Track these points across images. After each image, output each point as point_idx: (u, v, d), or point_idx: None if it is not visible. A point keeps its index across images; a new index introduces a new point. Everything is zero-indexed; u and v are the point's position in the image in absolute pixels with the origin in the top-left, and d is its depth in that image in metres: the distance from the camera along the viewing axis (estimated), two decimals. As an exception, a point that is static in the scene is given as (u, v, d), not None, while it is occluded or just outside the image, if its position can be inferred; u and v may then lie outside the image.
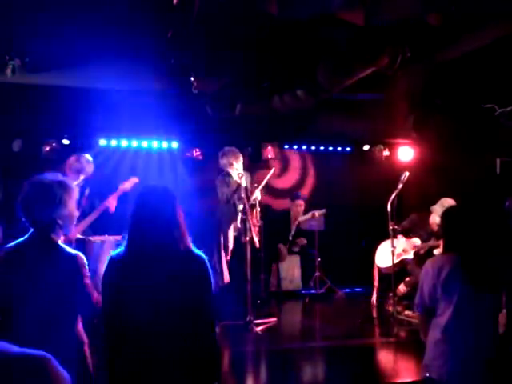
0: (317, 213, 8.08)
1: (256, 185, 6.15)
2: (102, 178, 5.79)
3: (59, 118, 6.80)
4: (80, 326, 2.48)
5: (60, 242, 2.47)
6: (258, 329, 5.66)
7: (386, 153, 8.74)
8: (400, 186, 6.07)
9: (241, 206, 6.03)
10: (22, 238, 2.44)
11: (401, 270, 6.61)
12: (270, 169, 6.55)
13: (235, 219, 6.13)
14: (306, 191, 8.97)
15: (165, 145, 8.05)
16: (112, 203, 5.25)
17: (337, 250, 8.24)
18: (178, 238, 2.25)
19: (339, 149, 9.03)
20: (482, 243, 2.93)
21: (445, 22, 4.56)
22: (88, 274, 2.41)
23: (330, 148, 8.99)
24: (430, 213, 6.22)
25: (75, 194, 2.54)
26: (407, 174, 6.11)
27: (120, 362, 2.19)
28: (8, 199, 6.17)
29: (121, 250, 2.29)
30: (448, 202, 6.00)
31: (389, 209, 6.10)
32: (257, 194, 6.11)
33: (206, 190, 7.77)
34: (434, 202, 6.18)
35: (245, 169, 6.31)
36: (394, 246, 6.14)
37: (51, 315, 2.31)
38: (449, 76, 6.13)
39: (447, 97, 6.97)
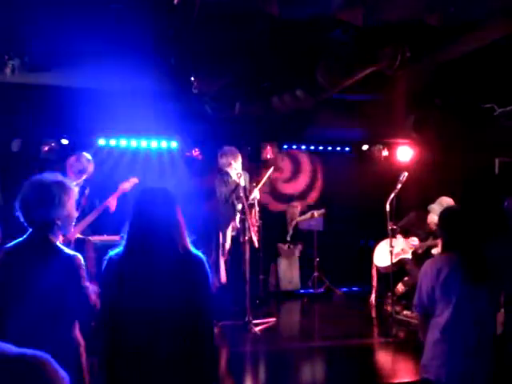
0: (316, 213, 8.09)
1: (254, 184, 6.14)
2: (101, 177, 5.78)
3: (58, 118, 6.80)
4: (77, 328, 2.48)
5: (58, 243, 2.47)
6: (257, 329, 5.66)
7: (385, 153, 8.74)
8: (399, 186, 6.07)
9: (240, 206, 6.03)
10: (21, 239, 2.44)
11: (399, 269, 6.61)
12: (270, 168, 6.54)
13: (234, 219, 6.13)
14: (315, 194, 8.95)
15: (164, 144, 8.04)
16: (112, 203, 5.25)
17: (335, 249, 8.24)
18: (177, 238, 2.25)
19: (338, 149, 9.03)
20: (480, 242, 2.93)
21: (444, 23, 4.56)
22: (85, 275, 2.41)
23: (329, 148, 8.99)
24: (428, 212, 6.21)
25: (74, 194, 2.53)
26: (406, 174, 6.11)
27: (119, 362, 2.19)
28: (7, 199, 6.17)
29: (119, 250, 2.29)
30: (446, 200, 6.00)
31: (388, 209, 6.10)
32: (255, 194, 6.11)
33: (206, 189, 7.77)
34: (433, 202, 6.18)
35: (244, 168, 6.31)
36: (392, 246, 6.14)
37: (48, 316, 2.31)
38: (448, 76, 6.13)
39: (447, 97, 6.97)
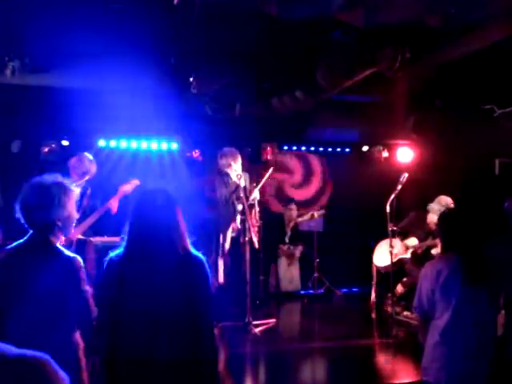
0: (316, 214, 8.10)
1: (254, 185, 6.14)
2: (101, 178, 5.78)
3: (58, 119, 6.80)
4: (76, 330, 2.47)
5: (58, 244, 2.47)
6: (257, 330, 5.65)
7: (385, 154, 8.74)
8: (399, 186, 6.07)
9: (240, 207, 6.03)
10: (21, 240, 2.43)
11: (399, 269, 6.61)
12: (270, 169, 6.53)
13: (234, 220, 6.13)
14: (325, 198, 8.93)
15: (164, 145, 8.05)
16: (113, 205, 5.25)
17: (335, 250, 8.25)
18: (177, 239, 2.25)
19: (338, 150, 9.04)
20: (480, 243, 2.93)
21: (444, 24, 4.56)
22: (85, 277, 2.41)
23: (330, 149, 9.00)
24: (427, 211, 6.20)
25: (74, 195, 2.53)
26: (406, 174, 6.11)
27: (119, 363, 2.19)
28: (7, 200, 6.17)
29: (120, 251, 2.29)
30: (445, 199, 6.00)
31: (388, 210, 6.10)
32: (255, 194, 6.11)
33: (206, 190, 7.77)
34: (433, 202, 6.17)
35: (244, 169, 6.31)
36: (392, 246, 6.14)
37: (47, 317, 2.31)
38: (448, 77, 6.13)
39: (447, 98, 6.97)
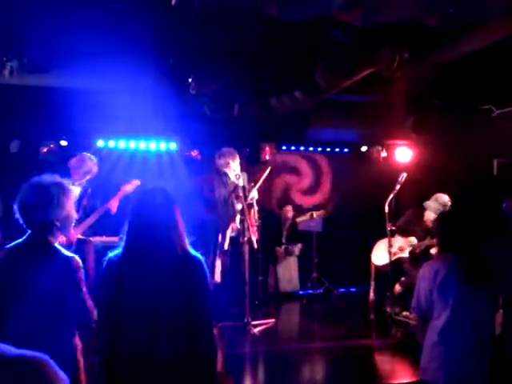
0: (315, 214, 8.10)
1: (253, 184, 6.14)
2: (100, 178, 5.78)
3: (57, 119, 6.79)
4: (75, 330, 2.47)
5: (57, 244, 2.47)
6: (256, 330, 5.65)
7: (384, 154, 8.75)
8: (398, 186, 6.07)
9: (239, 206, 6.03)
10: (20, 240, 2.43)
11: (397, 268, 6.60)
12: (268, 168, 6.53)
13: (233, 220, 6.13)
14: (332, 204, 8.91)
15: (163, 146, 8.04)
16: (114, 205, 5.25)
17: (334, 250, 8.25)
18: (176, 239, 2.25)
19: (337, 150, 9.04)
20: (478, 243, 2.93)
21: (443, 24, 4.57)
22: (83, 277, 2.40)
23: (328, 149, 9.00)
24: (424, 209, 6.20)
25: (73, 195, 2.53)
26: (405, 174, 6.11)
27: (118, 363, 2.19)
28: (6, 201, 6.16)
29: (119, 251, 2.29)
30: (442, 197, 5.99)
31: (386, 210, 6.10)
32: (254, 194, 6.11)
33: (205, 190, 7.77)
34: (429, 199, 6.17)
35: (242, 169, 6.31)
36: (390, 246, 6.14)
37: (45, 317, 2.30)
38: (447, 77, 6.14)
39: (445, 98, 6.98)
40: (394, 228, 6.29)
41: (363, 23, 4.57)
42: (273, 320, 6.15)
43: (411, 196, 7.15)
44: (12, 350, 1.03)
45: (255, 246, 6.01)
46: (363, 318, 6.61)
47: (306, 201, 8.92)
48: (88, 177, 5.32)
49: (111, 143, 7.73)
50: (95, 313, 2.46)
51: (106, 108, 6.52)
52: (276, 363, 5.01)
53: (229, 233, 6.19)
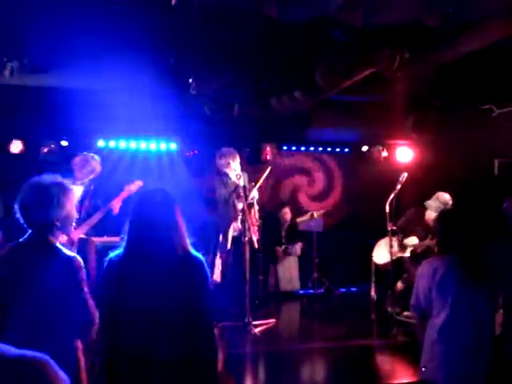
0: (315, 213, 8.10)
1: (253, 184, 6.14)
2: (100, 178, 5.78)
3: (57, 120, 6.80)
4: (75, 330, 2.47)
5: (58, 244, 2.47)
6: (257, 330, 5.65)
7: (385, 154, 8.75)
8: (398, 186, 6.07)
9: (240, 206, 6.03)
10: (21, 240, 2.44)
11: (398, 266, 6.59)
12: (268, 168, 6.52)
13: (235, 219, 6.13)
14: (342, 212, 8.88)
15: (163, 146, 8.05)
16: (116, 205, 5.26)
17: (335, 250, 8.25)
18: (176, 239, 2.25)
19: (338, 150, 9.04)
20: (477, 243, 2.93)
21: (443, 24, 4.57)
22: (85, 277, 2.41)
23: (329, 149, 9.00)
24: (425, 208, 6.19)
25: (73, 195, 2.54)
26: (405, 174, 6.10)
27: (119, 363, 2.20)
28: (6, 201, 6.17)
29: (119, 251, 2.29)
30: (443, 196, 5.98)
31: (387, 209, 6.09)
32: (254, 194, 6.11)
33: (205, 190, 7.77)
34: (431, 198, 6.16)
35: (243, 169, 6.31)
36: (391, 246, 6.14)
37: (46, 317, 2.31)
38: (447, 77, 6.14)
39: (445, 98, 6.98)
40: (394, 228, 6.29)
41: (363, 23, 4.56)
42: (273, 320, 6.15)
43: (412, 196, 7.15)
44: (12, 350, 1.03)
45: (256, 245, 6.02)
46: (364, 317, 6.60)
47: (315, 207, 8.83)
48: (91, 176, 5.36)
49: (112, 143, 7.73)
50: (97, 313, 2.46)
51: (106, 108, 6.52)
52: (276, 363, 5.00)
53: (231, 233, 6.19)
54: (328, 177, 9.12)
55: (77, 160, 5.36)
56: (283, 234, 8.24)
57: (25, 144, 7.13)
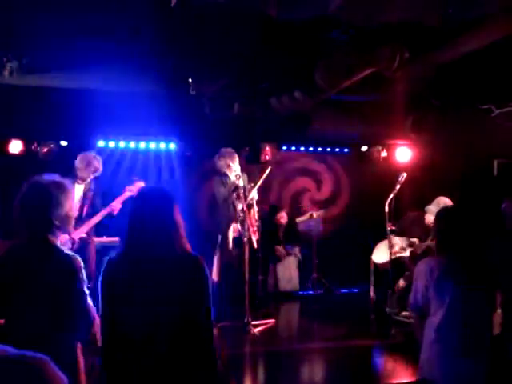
0: (315, 214, 8.10)
1: (252, 184, 6.15)
2: (100, 178, 5.79)
3: (57, 120, 6.80)
4: (74, 330, 2.47)
5: (58, 244, 2.47)
6: (256, 330, 5.66)
7: (384, 154, 8.75)
8: (397, 186, 6.07)
9: (240, 206, 6.03)
10: (20, 239, 2.44)
11: (398, 266, 6.59)
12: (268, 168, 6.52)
13: (234, 220, 6.13)
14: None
15: (163, 146, 8.05)
16: (116, 206, 5.26)
17: (334, 250, 8.25)
18: (175, 239, 2.25)
19: (337, 150, 9.05)
20: (474, 245, 2.93)
21: (443, 23, 4.57)
22: (84, 278, 2.41)
23: (328, 149, 9.01)
24: (425, 212, 6.19)
25: (72, 194, 2.54)
26: (405, 174, 6.10)
27: (118, 363, 2.19)
28: (6, 201, 6.16)
29: (119, 251, 2.29)
30: (444, 201, 5.98)
31: (386, 209, 6.09)
32: (253, 194, 6.11)
33: (204, 190, 7.78)
34: (431, 203, 6.17)
35: (242, 170, 6.31)
36: (391, 246, 6.13)
37: (45, 317, 2.31)
38: (446, 77, 6.14)
39: (445, 98, 6.98)
40: (393, 228, 6.28)
41: (363, 23, 4.57)
42: (273, 320, 6.15)
43: (411, 196, 7.16)
44: (12, 350, 1.03)
45: (255, 246, 6.02)
46: (363, 318, 6.60)
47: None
48: (93, 176, 5.39)
49: (111, 143, 7.73)
50: (95, 313, 2.46)
51: (105, 108, 6.53)
52: (276, 363, 5.01)
53: (231, 233, 6.19)
54: (336, 181, 9.09)
55: (79, 160, 5.37)
56: (281, 234, 8.23)
57: (24, 144, 7.13)
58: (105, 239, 6.13)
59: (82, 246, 5.00)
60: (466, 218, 2.98)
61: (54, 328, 2.33)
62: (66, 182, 2.54)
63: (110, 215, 5.29)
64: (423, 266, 2.94)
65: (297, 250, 8.14)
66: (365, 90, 6.53)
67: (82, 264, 2.41)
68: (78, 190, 5.31)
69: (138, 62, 5.51)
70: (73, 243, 4.89)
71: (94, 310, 2.46)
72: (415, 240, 6.61)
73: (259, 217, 6.46)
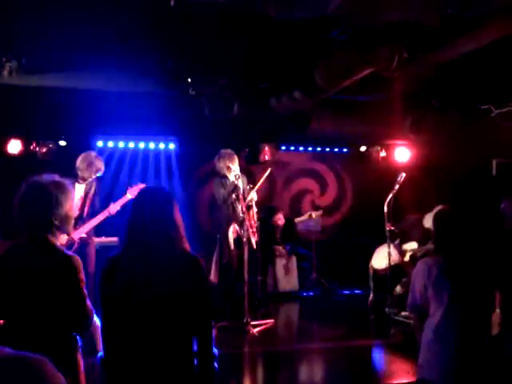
0: (314, 214, 8.10)
1: (251, 186, 6.15)
2: (100, 179, 5.79)
3: (56, 119, 6.80)
4: (74, 330, 2.46)
5: (57, 244, 2.47)
6: (255, 330, 5.66)
7: (383, 154, 8.76)
8: (396, 186, 6.07)
9: (239, 207, 6.03)
10: (20, 239, 2.43)
11: (397, 270, 6.60)
12: (268, 170, 6.52)
13: (234, 220, 6.13)
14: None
15: (162, 146, 8.05)
16: (115, 208, 5.26)
17: (333, 251, 8.25)
18: (175, 239, 2.25)
19: (336, 150, 9.05)
20: (472, 245, 2.94)
21: (442, 23, 4.57)
22: (83, 278, 2.40)
23: (327, 149, 9.01)
24: (424, 215, 6.19)
25: (72, 194, 2.54)
26: (404, 174, 6.11)
27: (117, 363, 2.19)
28: (5, 201, 6.16)
29: (118, 251, 2.29)
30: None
31: (385, 209, 6.10)
32: (253, 195, 6.11)
33: (204, 191, 7.78)
34: (430, 204, 6.15)
35: (241, 170, 6.31)
36: (390, 247, 6.13)
37: (44, 317, 2.31)
38: (446, 77, 6.14)
39: (444, 98, 6.98)
40: (392, 228, 6.28)
41: (362, 23, 4.56)
42: (272, 320, 6.15)
43: (410, 196, 7.15)
44: (11, 350, 1.03)
45: (254, 246, 6.02)
46: (363, 318, 6.60)
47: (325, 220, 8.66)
48: (94, 176, 5.39)
49: (110, 143, 7.74)
50: (94, 313, 2.46)
51: (105, 108, 6.53)
52: (275, 363, 5.01)
53: (231, 233, 6.19)
54: (339, 184, 9.08)
55: (81, 161, 5.37)
56: (277, 235, 8.22)
57: (23, 144, 7.13)
58: (104, 239, 6.13)
59: (81, 246, 5.00)
60: (463, 218, 2.99)
61: (53, 328, 2.33)
62: (66, 181, 2.54)
63: (109, 215, 5.29)
64: (422, 266, 2.95)
65: (296, 250, 8.13)
66: (364, 90, 6.53)
67: (81, 264, 2.41)
68: (79, 190, 5.31)
69: (137, 62, 5.50)
70: (72, 243, 4.90)
71: (92, 309, 2.46)
72: (406, 248, 6.60)
73: (258, 218, 6.46)
